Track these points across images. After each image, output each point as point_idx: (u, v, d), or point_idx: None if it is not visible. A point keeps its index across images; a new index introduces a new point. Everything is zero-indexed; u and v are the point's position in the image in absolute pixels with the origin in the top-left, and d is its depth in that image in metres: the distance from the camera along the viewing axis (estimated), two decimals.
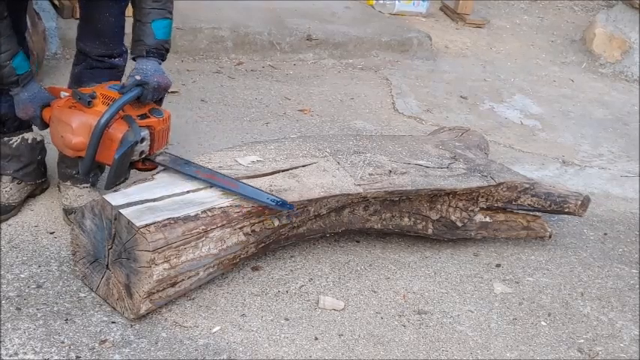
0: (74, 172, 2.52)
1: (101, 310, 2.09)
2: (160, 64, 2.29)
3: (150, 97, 2.20)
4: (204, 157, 2.39)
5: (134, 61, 2.28)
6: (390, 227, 2.59)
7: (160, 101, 2.32)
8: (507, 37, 5.43)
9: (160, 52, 2.29)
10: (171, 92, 3.62)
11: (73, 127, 2.16)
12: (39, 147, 2.56)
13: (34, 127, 2.48)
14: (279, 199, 2.18)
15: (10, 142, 2.48)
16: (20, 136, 2.49)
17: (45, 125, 2.29)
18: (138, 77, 2.18)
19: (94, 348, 1.96)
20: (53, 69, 3.59)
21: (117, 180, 2.20)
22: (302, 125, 3.56)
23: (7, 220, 2.46)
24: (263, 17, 4.45)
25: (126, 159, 2.15)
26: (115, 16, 2.44)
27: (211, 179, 2.23)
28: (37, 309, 2.06)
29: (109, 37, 2.46)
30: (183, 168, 2.25)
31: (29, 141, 2.51)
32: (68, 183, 2.54)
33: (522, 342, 2.30)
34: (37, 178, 2.57)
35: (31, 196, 2.59)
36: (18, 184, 2.51)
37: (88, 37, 2.45)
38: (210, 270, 2.15)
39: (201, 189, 2.18)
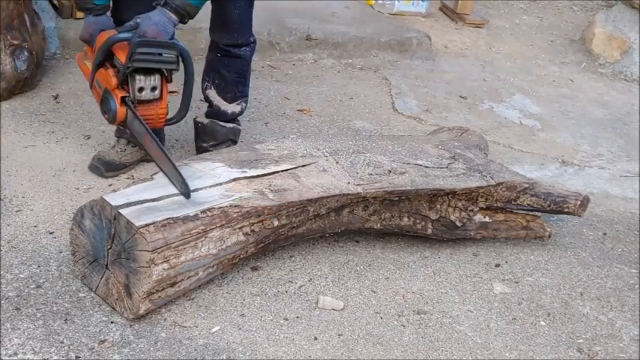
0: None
1: (100, 310, 2.09)
2: (175, 24, 2.33)
3: (135, 40, 2.25)
4: (206, 155, 2.39)
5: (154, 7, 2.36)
6: (390, 227, 2.59)
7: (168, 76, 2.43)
8: (507, 37, 5.43)
9: (180, 13, 2.33)
10: (171, 92, 3.62)
11: None
12: None
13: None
14: (184, 190, 2.14)
15: None
16: None
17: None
18: (138, 20, 2.29)
19: (93, 348, 1.96)
20: (53, 69, 3.59)
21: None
22: (301, 125, 3.56)
23: (113, 176, 2.75)
24: (262, 17, 4.43)
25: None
26: (240, 9, 2.70)
27: (146, 145, 2.32)
28: (37, 309, 2.06)
29: (235, 29, 2.73)
30: (135, 127, 2.35)
31: None
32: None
33: (522, 342, 2.30)
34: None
35: (145, 160, 2.86)
36: (133, 147, 2.79)
37: (217, 27, 2.73)
38: (210, 270, 2.15)
39: (200, 189, 2.18)
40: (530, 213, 2.80)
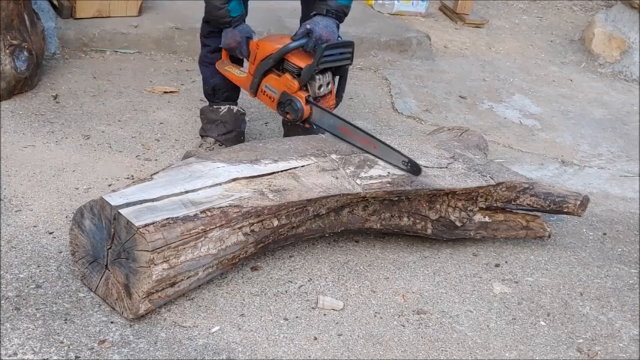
0: None
1: (100, 310, 2.09)
2: (338, 25, 2.61)
3: (311, 45, 2.50)
4: (206, 155, 2.39)
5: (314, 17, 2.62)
6: (389, 227, 2.59)
7: (341, 72, 2.65)
8: (506, 36, 5.43)
9: (339, 15, 2.61)
10: (171, 92, 3.63)
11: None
12: (241, 118, 3.04)
13: (239, 102, 3.04)
14: (410, 164, 2.41)
15: (219, 109, 2.96)
16: (227, 106, 2.98)
17: (248, 54, 2.69)
18: (308, 26, 2.54)
19: (93, 348, 1.96)
20: (52, 69, 3.59)
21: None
22: None
23: None
24: (262, 17, 4.44)
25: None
26: None
27: (348, 136, 2.51)
28: (37, 309, 2.06)
29: None
30: (329, 121, 2.56)
31: (234, 111, 2.99)
32: None
33: (521, 342, 2.30)
34: (236, 143, 2.90)
35: None
36: (219, 145, 2.95)
37: None
38: (210, 270, 2.15)
39: (200, 189, 2.18)
40: (530, 213, 2.80)
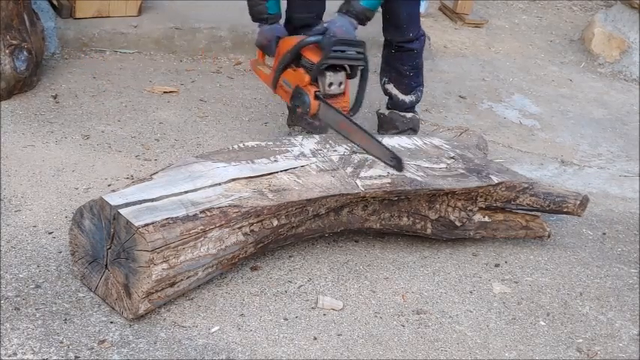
0: None
1: (100, 310, 2.09)
2: (356, 27, 2.70)
3: (325, 42, 2.56)
4: (205, 155, 2.39)
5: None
6: (389, 227, 2.59)
7: (360, 77, 2.73)
8: (506, 36, 5.43)
9: (360, 17, 2.70)
10: (170, 92, 3.63)
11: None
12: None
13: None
14: (395, 164, 2.47)
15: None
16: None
17: (275, 52, 2.77)
18: (325, 24, 2.64)
19: (92, 348, 1.96)
20: (52, 69, 3.59)
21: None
22: None
23: None
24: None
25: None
26: (407, 11, 3.04)
27: (346, 132, 2.57)
28: (36, 309, 2.06)
29: (405, 27, 3.06)
30: (331, 116, 2.62)
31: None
32: None
33: (521, 342, 2.30)
34: (322, 132, 3.02)
35: None
36: (307, 134, 2.98)
37: (389, 27, 3.09)
38: (209, 270, 2.15)
39: (199, 189, 2.18)
40: (530, 213, 2.80)
